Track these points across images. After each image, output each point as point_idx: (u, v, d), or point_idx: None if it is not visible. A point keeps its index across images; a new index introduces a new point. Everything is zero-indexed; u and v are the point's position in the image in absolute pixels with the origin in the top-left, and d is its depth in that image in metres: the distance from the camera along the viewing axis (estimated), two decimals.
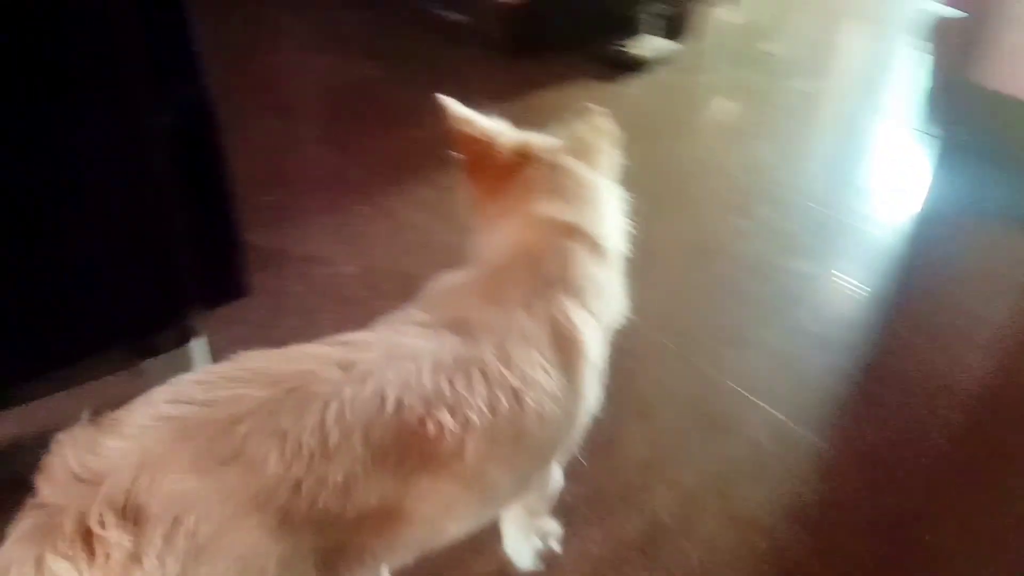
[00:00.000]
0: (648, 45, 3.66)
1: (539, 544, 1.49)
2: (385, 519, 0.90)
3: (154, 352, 1.57)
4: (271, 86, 3.50)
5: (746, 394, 1.92)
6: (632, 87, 3.54)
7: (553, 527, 1.53)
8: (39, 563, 0.70)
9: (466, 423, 0.91)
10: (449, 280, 1.12)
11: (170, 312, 1.55)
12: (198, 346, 1.63)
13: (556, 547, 1.52)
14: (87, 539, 0.71)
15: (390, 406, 0.87)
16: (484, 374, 0.94)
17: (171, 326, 1.58)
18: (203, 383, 0.84)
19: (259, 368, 0.86)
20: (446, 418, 0.89)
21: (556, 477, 1.35)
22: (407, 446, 0.88)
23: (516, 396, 0.96)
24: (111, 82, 1.28)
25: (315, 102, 3.46)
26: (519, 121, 1.24)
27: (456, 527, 1.03)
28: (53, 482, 0.76)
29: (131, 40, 1.27)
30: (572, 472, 1.40)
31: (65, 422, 0.82)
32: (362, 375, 0.88)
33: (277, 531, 0.79)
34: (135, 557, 0.71)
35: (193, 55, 1.39)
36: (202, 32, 1.37)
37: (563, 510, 1.53)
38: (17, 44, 1.16)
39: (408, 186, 2.65)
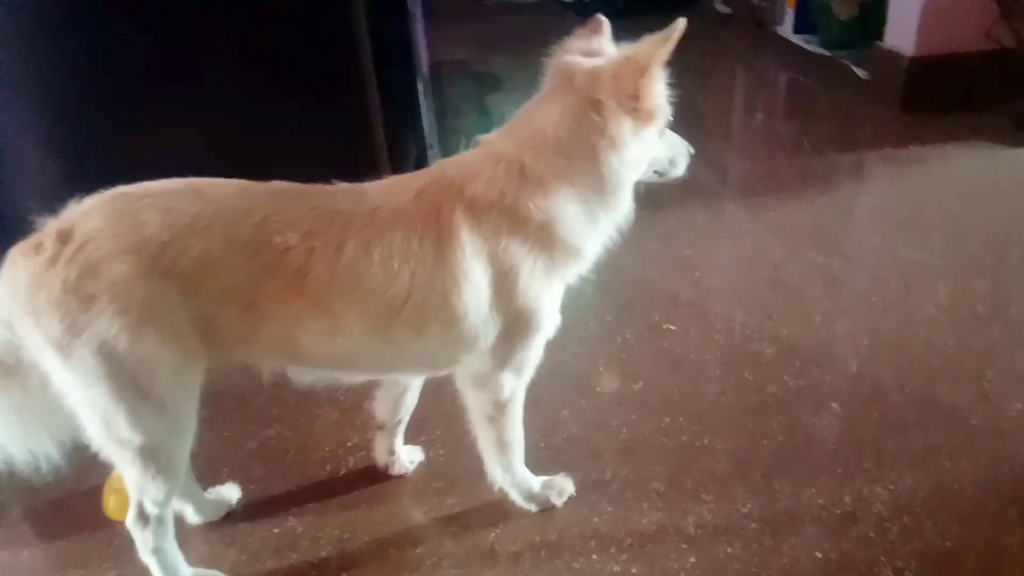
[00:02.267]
0: None
1: (525, 485, 1.50)
2: (243, 305, 1.14)
3: None
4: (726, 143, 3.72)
5: None
6: None
7: (562, 483, 1.53)
8: (15, 256, 1.10)
9: (311, 250, 1.12)
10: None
11: None
12: None
13: (557, 501, 1.51)
14: (41, 246, 1.08)
15: (256, 217, 1.12)
16: (347, 222, 1.15)
17: None
18: (171, 180, 1.17)
19: (203, 181, 1.18)
20: (293, 238, 1.12)
21: (506, 386, 1.35)
22: (259, 250, 1.11)
23: (367, 245, 1.14)
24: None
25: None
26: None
27: (311, 345, 1.20)
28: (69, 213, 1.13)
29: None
30: None
31: None
32: (251, 194, 1.17)
33: (145, 274, 1.07)
34: (53, 260, 1.06)
35: None
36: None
37: None
38: None
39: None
